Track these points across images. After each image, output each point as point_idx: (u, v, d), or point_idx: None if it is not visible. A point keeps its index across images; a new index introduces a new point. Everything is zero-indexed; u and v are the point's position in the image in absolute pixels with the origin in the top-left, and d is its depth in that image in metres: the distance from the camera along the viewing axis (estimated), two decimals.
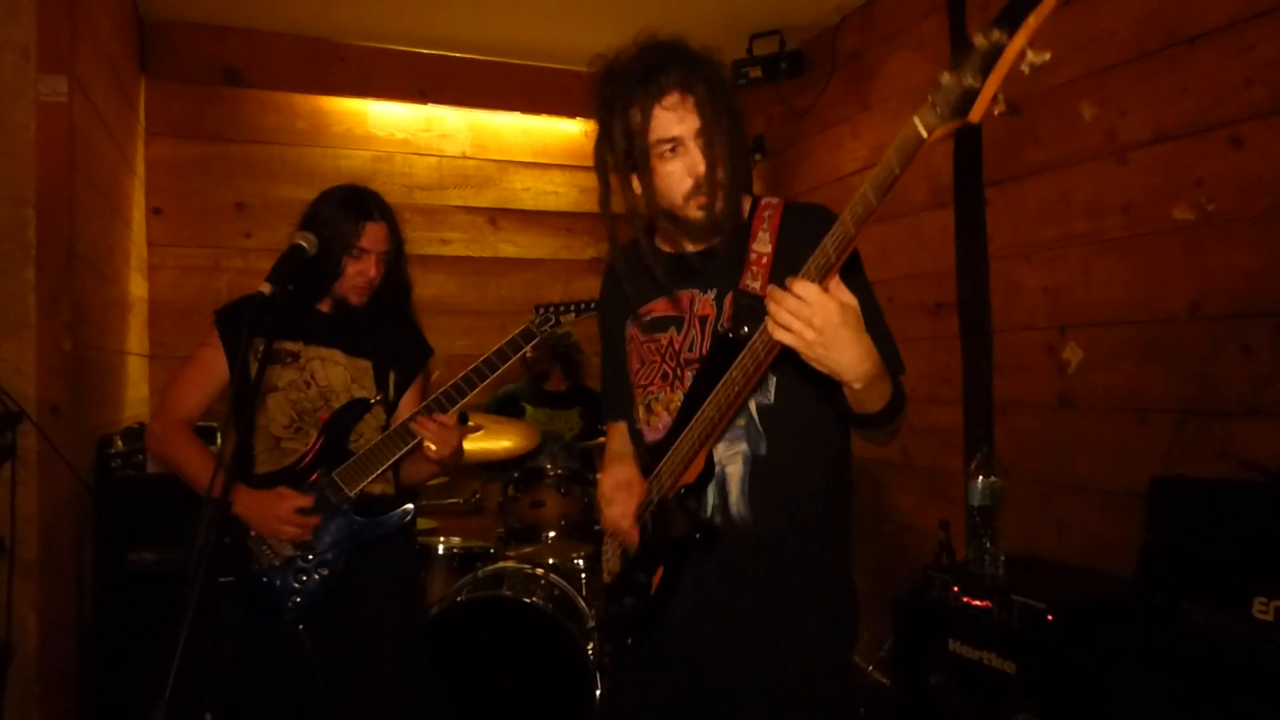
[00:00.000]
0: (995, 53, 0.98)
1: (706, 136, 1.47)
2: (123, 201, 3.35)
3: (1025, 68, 0.97)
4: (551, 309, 2.29)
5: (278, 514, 2.04)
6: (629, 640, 1.64)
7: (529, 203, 4.44)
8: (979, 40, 0.99)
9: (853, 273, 1.36)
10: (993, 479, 2.50)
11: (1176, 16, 2.39)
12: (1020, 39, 0.97)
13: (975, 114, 1.02)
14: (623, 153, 1.50)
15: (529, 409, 3.92)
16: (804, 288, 1.18)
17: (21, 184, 2.42)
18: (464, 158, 4.33)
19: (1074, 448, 2.71)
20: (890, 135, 3.67)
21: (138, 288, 3.60)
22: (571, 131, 4.47)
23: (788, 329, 1.20)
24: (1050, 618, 2.12)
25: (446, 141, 4.30)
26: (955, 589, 2.38)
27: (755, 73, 3.93)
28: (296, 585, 2.08)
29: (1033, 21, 0.96)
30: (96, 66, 2.85)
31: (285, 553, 2.09)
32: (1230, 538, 1.86)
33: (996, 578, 2.38)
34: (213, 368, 2.16)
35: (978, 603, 2.31)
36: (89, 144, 2.74)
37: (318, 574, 2.10)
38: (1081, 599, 2.22)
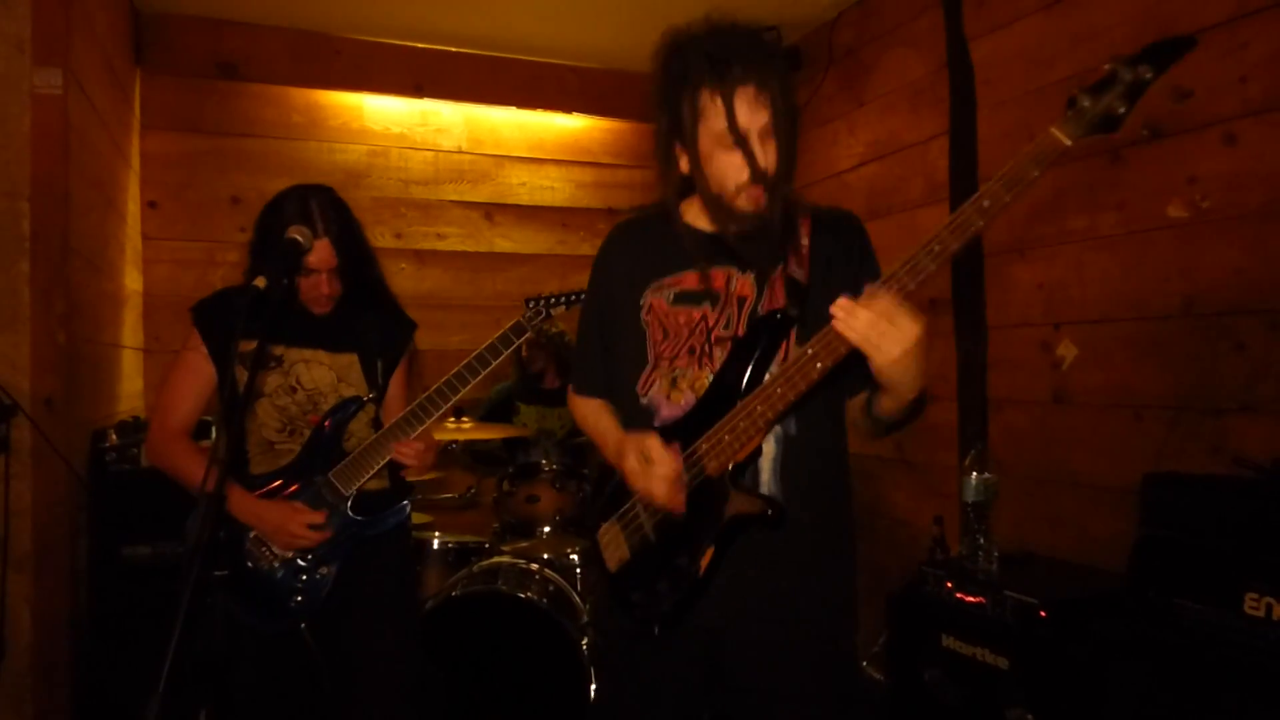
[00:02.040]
0: (1141, 85, 1.18)
1: (774, 132, 1.49)
2: (117, 195, 3.34)
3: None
4: (542, 301, 2.30)
5: (288, 528, 2.04)
6: (655, 630, 1.59)
7: (525, 198, 4.43)
8: (1124, 71, 1.18)
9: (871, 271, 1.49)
10: (987, 475, 2.51)
11: (1171, 14, 2.39)
12: (1160, 77, 1.17)
13: (1119, 129, 1.21)
14: (683, 129, 1.51)
15: (522, 407, 3.93)
16: (898, 310, 1.28)
17: (15, 177, 2.42)
18: (460, 152, 4.32)
19: (1068, 444, 2.71)
20: (885, 132, 3.66)
21: (132, 281, 3.59)
22: (568, 126, 4.47)
23: (877, 345, 1.28)
24: (1043, 613, 2.12)
25: (442, 136, 4.29)
26: (949, 584, 2.39)
27: None
28: (298, 585, 2.09)
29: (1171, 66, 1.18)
30: (91, 59, 2.84)
31: (285, 554, 2.09)
32: (1222, 534, 1.87)
33: (990, 573, 2.39)
34: (200, 372, 2.13)
35: (971, 598, 2.32)
36: (84, 137, 2.73)
37: (318, 573, 2.10)
38: (1074, 594, 2.23)
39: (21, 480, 2.40)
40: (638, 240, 1.72)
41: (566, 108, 4.44)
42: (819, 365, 1.38)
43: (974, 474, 2.51)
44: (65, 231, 2.51)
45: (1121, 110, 1.19)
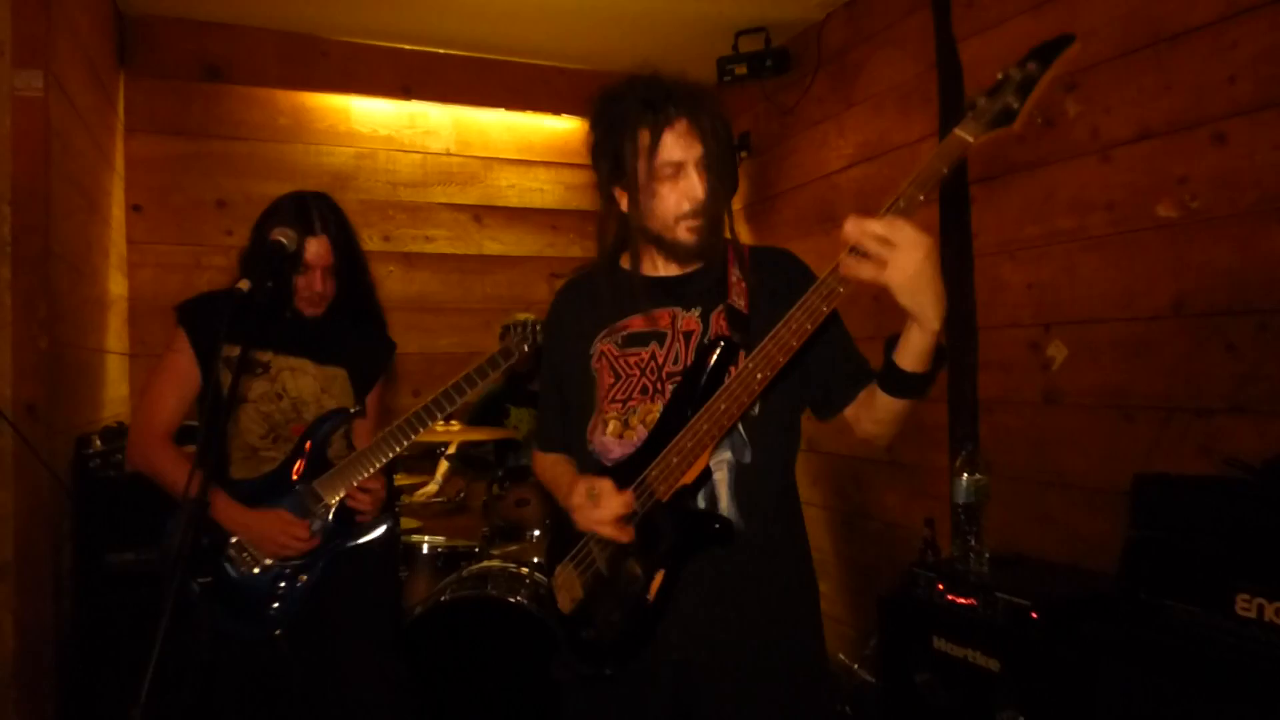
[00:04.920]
0: (1030, 81, 1.28)
1: (707, 164, 1.57)
2: (101, 198, 3.31)
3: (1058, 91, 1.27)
4: (519, 328, 2.34)
5: (277, 539, 2.03)
6: (607, 670, 1.57)
7: (514, 200, 4.41)
8: (1014, 72, 1.29)
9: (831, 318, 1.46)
10: (977, 476, 2.50)
11: (1160, 13, 2.39)
12: (1050, 73, 1.28)
13: (1018, 124, 1.29)
14: (624, 170, 1.57)
15: (512, 409, 3.91)
16: (894, 222, 1.27)
17: None
18: (448, 154, 4.30)
19: (1058, 445, 2.71)
20: (875, 133, 3.65)
21: (118, 286, 3.56)
22: (557, 128, 4.45)
23: (889, 261, 1.26)
24: (1034, 614, 2.12)
25: (430, 138, 4.27)
26: (940, 586, 2.38)
27: (740, 70, 3.92)
28: (277, 592, 2.08)
29: (1059, 63, 1.29)
30: (74, 61, 2.81)
31: (264, 560, 2.08)
32: (1213, 534, 1.86)
33: (981, 575, 2.39)
34: (185, 374, 2.14)
35: (962, 600, 2.31)
36: (66, 140, 2.70)
37: (297, 581, 2.09)
38: (1066, 596, 2.22)
39: (4, 487, 2.36)
40: (583, 295, 1.76)
41: (555, 109, 4.42)
42: (759, 376, 1.42)
43: (964, 475, 2.50)
44: (47, 235, 2.48)
45: (1015, 105, 1.28)
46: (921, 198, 1.31)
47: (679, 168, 1.55)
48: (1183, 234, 2.36)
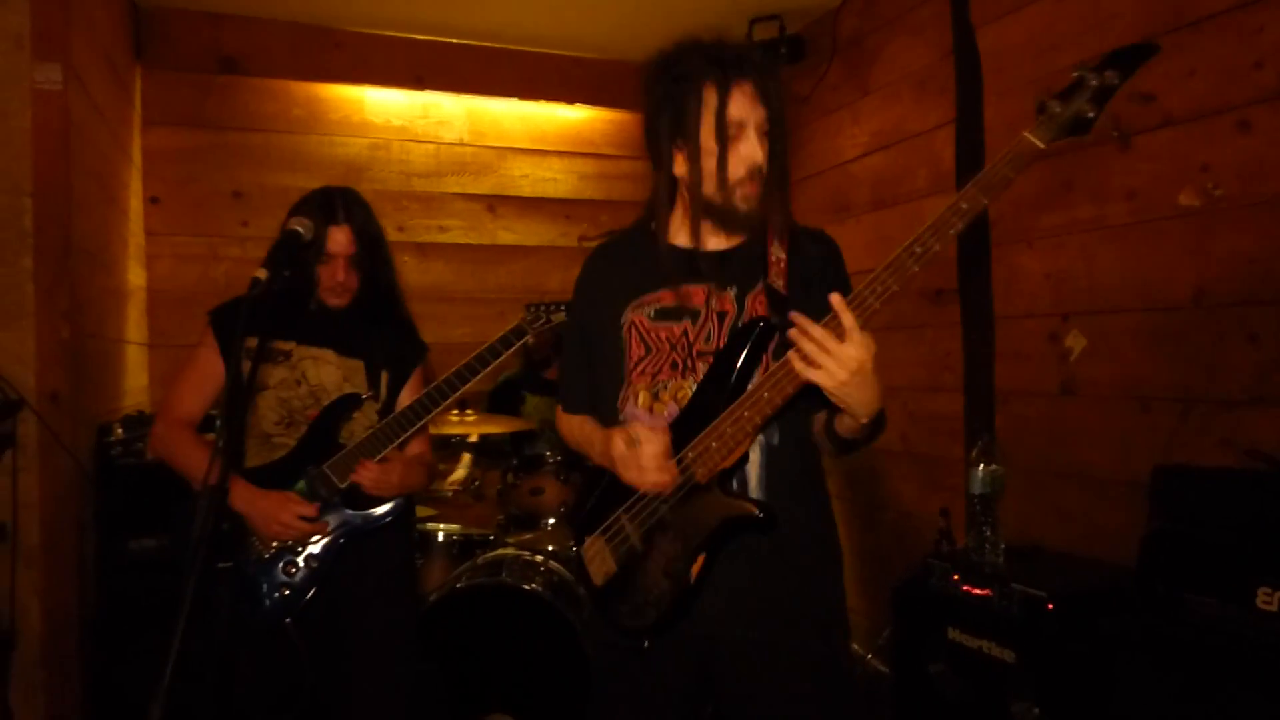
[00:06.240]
0: (1108, 89, 1.24)
1: (770, 130, 1.56)
2: (119, 190, 3.33)
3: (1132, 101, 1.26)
4: (543, 307, 2.31)
5: (280, 518, 2.04)
6: (645, 643, 1.59)
7: (527, 190, 4.41)
8: (1090, 76, 1.26)
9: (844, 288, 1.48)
10: (993, 467, 2.49)
11: None
12: (1128, 81, 1.24)
13: (1092, 134, 1.26)
14: (685, 127, 1.55)
15: (528, 397, 3.92)
16: (847, 339, 1.30)
17: (17, 173, 2.42)
18: (462, 144, 4.30)
19: (1076, 436, 2.69)
20: (890, 121, 3.63)
21: (136, 276, 3.59)
22: (570, 118, 4.45)
23: (821, 367, 1.31)
24: (1050, 606, 2.11)
25: (444, 128, 4.27)
26: (955, 577, 2.38)
27: None
28: (284, 578, 2.09)
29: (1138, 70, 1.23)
30: (91, 55, 2.83)
31: (271, 544, 2.09)
32: (1234, 527, 1.85)
33: (996, 566, 2.38)
34: (210, 369, 2.17)
35: (977, 591, 2.31)
36: (85, 133, 2.72)
37: (308, 567, 2.10)
38: (1082, 588, 2.21)
39: (29, 474, 2.41)
40: (618, 260, 1.75)
41: (568, 99, 4.42)
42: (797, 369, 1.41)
43: (980, 466, 2.49)
44: (68, 227, 2.51)
45: (1091, 114, 1.25)
46: (986, 201, 1.29)
47: (741, 128, 1.53)
48: (1205, 223, 2.33)
